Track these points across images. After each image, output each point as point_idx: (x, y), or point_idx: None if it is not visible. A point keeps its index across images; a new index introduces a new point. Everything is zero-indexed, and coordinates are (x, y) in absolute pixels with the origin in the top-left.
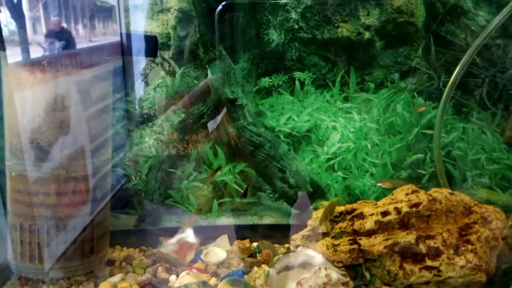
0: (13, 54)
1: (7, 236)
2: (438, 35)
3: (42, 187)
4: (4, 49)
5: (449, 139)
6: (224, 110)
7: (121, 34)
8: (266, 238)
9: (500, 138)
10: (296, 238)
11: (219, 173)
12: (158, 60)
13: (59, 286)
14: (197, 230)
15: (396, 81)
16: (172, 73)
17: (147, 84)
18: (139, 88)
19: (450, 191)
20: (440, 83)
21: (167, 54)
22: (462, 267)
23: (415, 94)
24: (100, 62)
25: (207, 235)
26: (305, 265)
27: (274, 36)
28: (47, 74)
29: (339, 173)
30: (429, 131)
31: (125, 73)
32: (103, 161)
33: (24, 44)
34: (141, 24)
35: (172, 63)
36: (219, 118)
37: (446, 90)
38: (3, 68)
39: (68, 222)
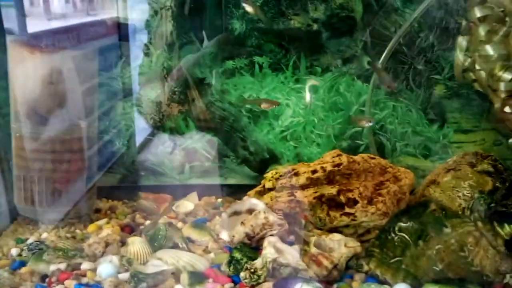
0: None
1: (14, 185)
2: (373, 28)
3: (40, 146)
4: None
5: (382, 115)
6: None
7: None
8: (229, 195)
9: (423, 115)
10: (250, 193)
11: None
12: (138, 44)
13: (54, 225)
14: (171, 189)
15: (339, 66)
16: (149, 55)
17: (128, 64)
18: (121, 67)
19: (371, 155)
20: None
21: (146, 39)
22: (372, 213)
23: (355, 78)
24: (90, 40)
25: (179, 193)
26: (250, 211)
27: (237, 26)
28: (44, 50)
29: (291, 142)
30: (365, 108)
31: (110, 54)
32: (91, 127)
33: (21, 18)
34: (123, 12)
35: (150, 46)
36: None
37: (374, 73)
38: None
39: (61, 175)
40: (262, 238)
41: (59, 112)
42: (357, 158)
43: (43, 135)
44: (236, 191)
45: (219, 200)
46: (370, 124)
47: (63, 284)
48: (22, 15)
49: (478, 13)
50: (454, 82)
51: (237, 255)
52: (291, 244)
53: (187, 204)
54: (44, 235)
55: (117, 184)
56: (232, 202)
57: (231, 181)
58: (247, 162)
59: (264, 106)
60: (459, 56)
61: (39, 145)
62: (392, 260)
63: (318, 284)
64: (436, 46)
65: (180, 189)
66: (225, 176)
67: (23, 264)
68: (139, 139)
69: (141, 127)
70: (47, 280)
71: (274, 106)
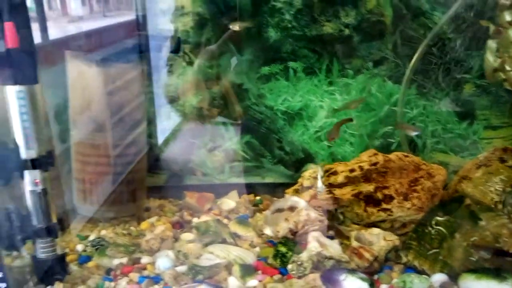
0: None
1: (74, 187)
2: (403, 31)
3: (97, 151)
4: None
5: (413, 114)
6: None
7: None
8: (267, 193)
9: (452, 112)
10: (289, 191)
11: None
12: (180, 53)
13: (111, 223)
14: (213, 188)
15: (370, 68)
16: (191, 64)
17: (172, 73)
18: (165, 76)
19: (405, 154)
20: (405, 70)
21: (187, 49)
22: (408, 208)
23: (386, 79)
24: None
25: (220, 191)
26: (292, 208)
27: (272, 34)
28: (100, 64)
29: (325, 142)
30: (397, 108)
31: (154, 64)
32: (141, 134)
33: (42, 23)
34: (167, 27)
35: (191, 55)
36: None
37: (407, 73)
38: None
39: (116, 178)
40: (304, 233)
41: (113, 120)
42: (392, 156)
43: (99, 141)
44: (273, 189)
45: (258, 197)
46: (417, 133)
47: (128, 276)
48: (42, 19)
49: (508, 17)
50: (483, 80)
51: (282, 249)
52: (331, 238)
53: (229, 202)
54: (103, 232)
55: (164, 184)
56: (270, 199)
57: (269, 179)
58: (283, 162)
59: (353, 106)
60: (489, 58)
61: (95, 151)
62: (430, 252)
63: (362, 274)
64: (465, 46)
65: (221, 188)
66: (262, 175)
67: (88, 258)
68: (183, 143)
69: (185, 131)
70: (111, 273)
71: (361, 101)
